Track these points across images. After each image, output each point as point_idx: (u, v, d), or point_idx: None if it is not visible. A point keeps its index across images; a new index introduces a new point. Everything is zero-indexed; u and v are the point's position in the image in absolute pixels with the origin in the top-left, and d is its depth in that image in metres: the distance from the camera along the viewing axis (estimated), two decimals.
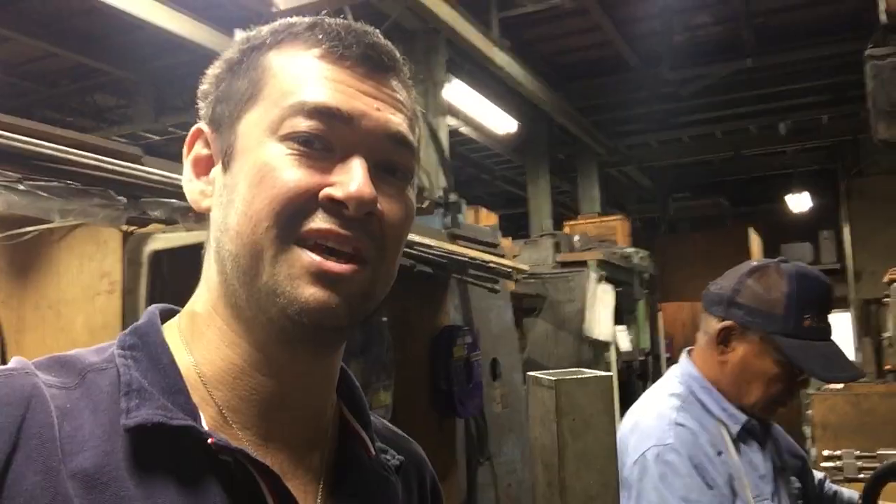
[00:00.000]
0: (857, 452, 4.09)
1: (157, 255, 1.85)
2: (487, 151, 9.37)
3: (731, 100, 8.26)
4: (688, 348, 1.78)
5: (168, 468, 0.62)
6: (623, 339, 6.19)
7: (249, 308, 0.66)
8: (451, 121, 6.67)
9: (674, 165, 11.21)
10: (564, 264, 5.95)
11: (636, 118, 8.86)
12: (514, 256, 5.17)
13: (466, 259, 3.16)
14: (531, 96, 6.70)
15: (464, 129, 7.79)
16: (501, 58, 5.82)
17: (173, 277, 1.91)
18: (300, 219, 0.65)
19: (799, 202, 11.66)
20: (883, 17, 2.78)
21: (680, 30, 6.55)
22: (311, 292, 0.64)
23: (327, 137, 0.66)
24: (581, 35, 6.93)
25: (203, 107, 0.73)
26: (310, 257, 0.64)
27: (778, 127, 9.27)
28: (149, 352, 0.68)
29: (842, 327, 11.91)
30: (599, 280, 5.78)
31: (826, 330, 1.60)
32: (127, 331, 0.70)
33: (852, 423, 4.91)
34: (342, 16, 0.74)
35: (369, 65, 0.69)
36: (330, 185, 0.65)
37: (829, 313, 1.62)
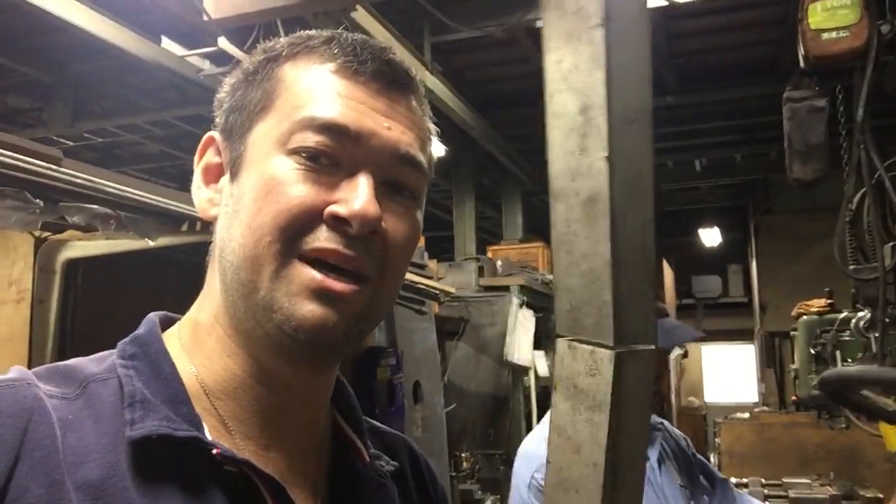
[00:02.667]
0: (763, 480, 4.24)
1: (73, 264, 1.75)
2: None
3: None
4: None
5: (173, 478, 0.61)
6: (541, 364, 6.25)
7: (247, 320, 0.66)
8: None
9: None
10: (487, 288, 5.98)
11: None
12: (439, 279, 5.17)
13: None
14: (460, 122, 6.75)
15: None
16: (432, 82, 5.85)
17: (89, 287, 1.81)
18: (303, 235, 0.64)
19: (710, 237, 12.11)
20: (802, 62, 2.92)
21: None
22: (309, 309, 0.64)
23: (335, 153, 0.66)
24: (510, 65, 7.05)
25: (217, 115, 0.73)
26: (311, 274, 0.64)
27: (694, 163, 9.63)
28: (150, 361, 0.67)
29: (746, 358, 12.39)
30: (521, 305, 5.84)
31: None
32: (127, 340, 0.70)
33: (757, 451, 5.09)
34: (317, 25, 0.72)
35: (383, 82, 0.69)
36: (335, 201, 0.65)
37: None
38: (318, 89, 0.67)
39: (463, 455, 5.16)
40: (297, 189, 0.64)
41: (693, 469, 1.94)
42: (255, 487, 0.64)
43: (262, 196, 0.65)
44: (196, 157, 0.75)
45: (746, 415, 6.17)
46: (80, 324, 1.82)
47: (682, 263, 12.27)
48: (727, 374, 13.28)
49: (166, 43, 4.93)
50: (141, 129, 7.87)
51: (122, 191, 1.41)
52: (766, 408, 7.37)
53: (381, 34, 4.88)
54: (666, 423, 2.04)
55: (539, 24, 5.42)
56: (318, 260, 0.64)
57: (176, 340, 0.71)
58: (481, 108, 7.26)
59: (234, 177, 0.69)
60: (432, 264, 5.24)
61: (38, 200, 1.34)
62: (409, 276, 3.42)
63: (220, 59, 5.00)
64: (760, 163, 9.47)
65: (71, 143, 7.75)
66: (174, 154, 8.66)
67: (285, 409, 0.70)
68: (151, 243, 1.53)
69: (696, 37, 6.65)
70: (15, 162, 1.26)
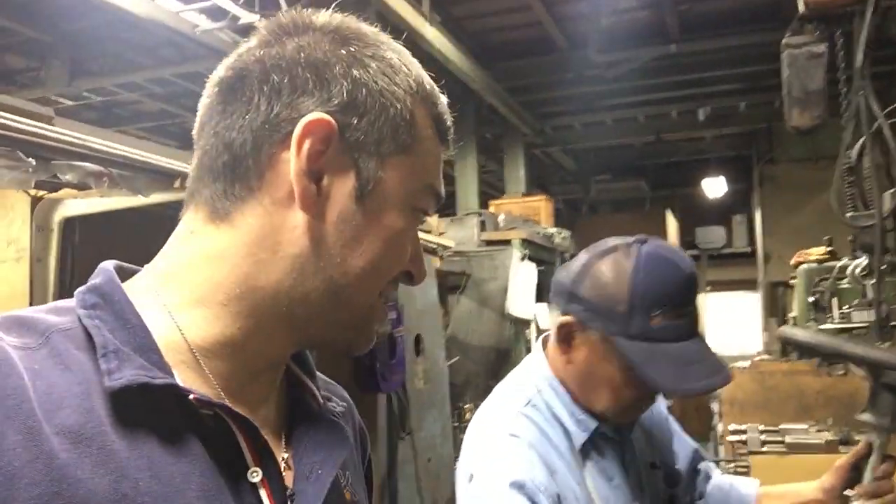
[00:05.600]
0: (761, 427, 4.30)
1: (69, 222, 1.77)
2: None
3: (654, 84, 8.45)
4: (544, 335, 1.51)
5: (149, 424, 0.63)
6: (543, 317, 6.30)
7: (319, 314, 0.74)
8: None
9: (596, 148, 11.41)
10: (489, 243, 6.00)
11: (562, 100, 8.96)
12: (441, 234, 5.19)
13: None
14: (461, 74, 6.68)
15: None
16: (432, 33, 5.78)
17: (85, 245, 1.84)
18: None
19: (714, 187, 12.05)
20: (801, 7, 2.88)
21: (607, 13, 6.64)
22: (374, 328, 0.79)
23: None
24: (511, 14, 6.95)
25: (320, 92, 0.70)
26: (386, 309, 0.80)
27: (697, 113, 9.54)
28: (114, 311, 0.67)
29: (751, 308, 12.46)
30: (522, 259, 5.86)
31: (683, 328, 1.31)
32: (84, 289, 0.69)
33: (757, 399, 5.14)
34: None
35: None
36: (409, 261, 0.78)
37: (688, 307, 1.33)
38: (436, 160, 0.78)
39: (466, 406, 5.24)
40: (409, 248, 0.77)
41: (671, 440, 1.62)
42: (228, 429, 0.67)
43: (392, 245, 0.74)
44: (299, 132, 0.68)
45: (747, 363, 6.22)
46: (79, 281, 1.87)
47: (686, 214, 12.26)
48: (732, 323, 13.37)
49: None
50: (140, 86, 7.83)
51: (113, 148, 1.42)
52: (766, 356, 7.41)
53: None
54: None
55: None
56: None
57: (145, 292, 0.70)
58: (482, 60, 7.18)
59: (359, 199, 0.71)
60: (433, 219, 5.26)
61: (30, 159, 1.35)
62: None
63: (216, 14, 4.95)
64: (765, 111, 9.36)
65: (70, 103, 7.71)
66: (174, 112, 8.61)
67: (248, 361, 0.72)
68: (145, 199, 1.55)
69: None
70: (5, 121, 1.27)
